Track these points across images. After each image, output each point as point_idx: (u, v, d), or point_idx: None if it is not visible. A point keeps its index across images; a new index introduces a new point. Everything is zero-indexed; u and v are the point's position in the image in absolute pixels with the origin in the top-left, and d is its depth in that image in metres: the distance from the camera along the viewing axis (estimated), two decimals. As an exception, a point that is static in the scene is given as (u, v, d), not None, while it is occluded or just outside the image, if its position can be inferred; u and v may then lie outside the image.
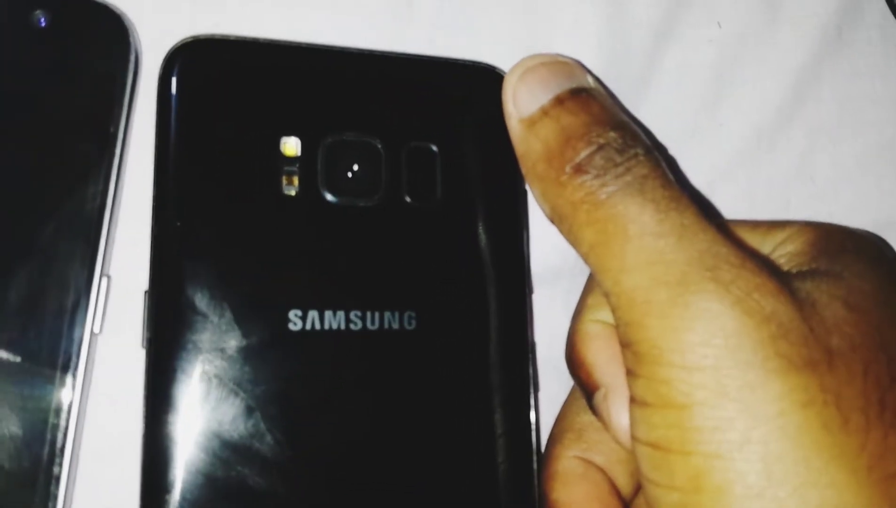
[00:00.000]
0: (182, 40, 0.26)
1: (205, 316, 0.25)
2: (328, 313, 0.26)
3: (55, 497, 0.23)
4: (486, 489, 0.26)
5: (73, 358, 0.24)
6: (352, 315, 0.26)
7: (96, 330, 0.24)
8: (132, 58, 0.26)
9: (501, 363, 0.27)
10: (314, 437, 0.25)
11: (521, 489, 0.27)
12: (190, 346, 0.25)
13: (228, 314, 0.25)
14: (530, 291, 0.28)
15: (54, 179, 0.25)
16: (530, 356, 0.27)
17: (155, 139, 0.26)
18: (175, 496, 0.24)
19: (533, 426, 0.27)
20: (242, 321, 0.25)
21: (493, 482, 0.26)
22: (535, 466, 0.27)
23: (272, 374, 0.25)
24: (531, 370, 0.27)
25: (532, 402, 0.27)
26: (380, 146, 0.27)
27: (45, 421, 0.23)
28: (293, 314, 0.25)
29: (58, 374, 0.24)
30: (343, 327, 0.26)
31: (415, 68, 0.28)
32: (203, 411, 0.24)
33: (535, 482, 0.27)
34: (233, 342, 0.25)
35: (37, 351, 0.24)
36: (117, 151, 0.25)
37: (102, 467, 0.24)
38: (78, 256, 0.25)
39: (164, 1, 0.27)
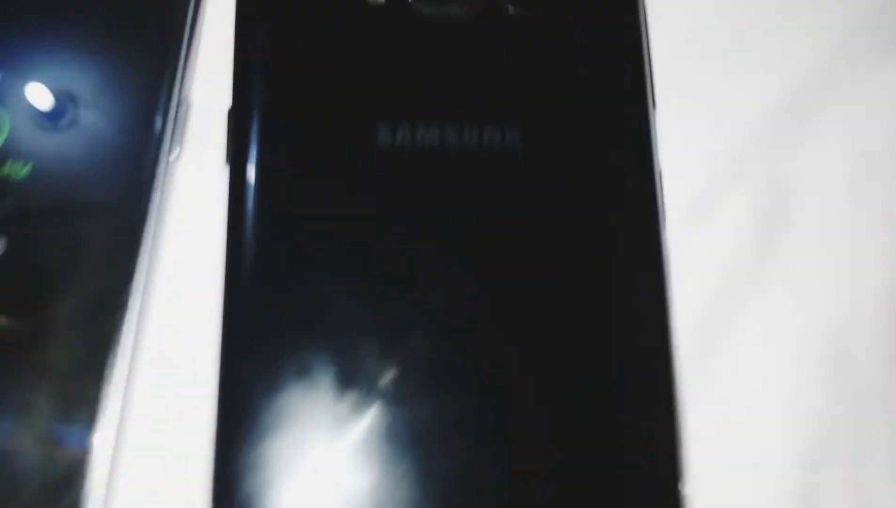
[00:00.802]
0: None
1: (288, 132, 0.23)
2: (421, 127, 0.23)
3: (124, 320, 0.21)
4: (609, 349, 0.22)
5: (150, 182, 0.22)
6: (447, 129, 0.23)
7: (175, 153, 0.23)
8: None
9: (624, 192, 0.23)
10: (405, 262, 0.22)
11: (653, 345, 0.23)
12: (274, 162, 0.23)
13: (313, 130, 0.23)
14: (655, 107, 0.24)
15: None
16: (658, 183, 0.23)
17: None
18: (259, 322, 0.22)
19: (665, 273, 0.23)
20: (329, 137, 0.23)
21: (618, 339, 0.22)
22: (668, 314, 0.23)
23: (358, 192, 0.22)
24: (659, 201, 0.23)
25: (663, 242, 0.23)
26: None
27: (122, 240, 0.22)
28: (382, 128, 0.23)
29: (135, 197, 0.22)
30: (437, 142, 0.23)
31: None
32: (287, 232, 0.22)
33: (670, 333, 0.23)
34: (317, 157, 0.23)
35: (116, 177, 0.22)
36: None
37: (177, 293, 0.23)
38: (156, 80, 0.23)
39: None
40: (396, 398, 0.21)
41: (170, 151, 0.23)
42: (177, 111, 0.23)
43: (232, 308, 0.22)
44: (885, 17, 0.27)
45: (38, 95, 0.23)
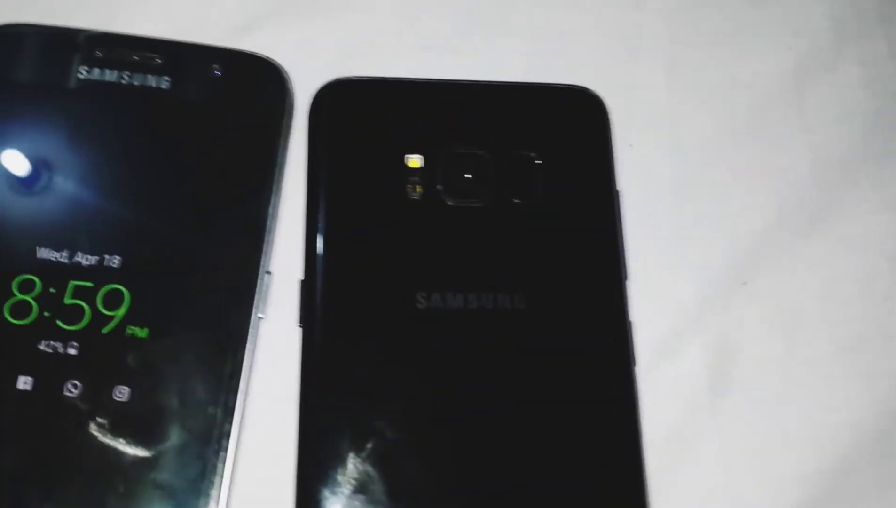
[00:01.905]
0: (324, 82, 0.32)
1: (347, 299, 0.30)
2: (449, 295, 0.30)
3: (225, 449, 0.28)
4: (591, 455, 0.29)
5: (244, 337, 0.29)
6: (469, 296, 0.30)
7: (261, 315, 0.29)
8: (287, 99, 0.32)
9: (603, 338, 0.30)
10: (436, 398, 0.29)
11: (626, 454, 0.29)
12: (336, 322, 0.29)
13: (367, 297, 0.30)
14: (626, 276, 0.31)
15: (229, 196, 0.31)
16: (629, 332, 0.31)
17: (307, 162, 0.32)
18: (327, 453, 0.28)
19: (635, 394, 0.30)
20: (379, 302, 0.30)
21: (598, 448, 0.29)
22: (639, 434, 0.30)
23: (403, 345, 0.29)
24: (630, 346, 0.30)
25: (633, 374, 0.30)
26: (488, 157, 0.32)
27: (220, 388, 0.28)
28: (420, 296, 0.30)
29: (232, 350, 0.29)
30: (462, 305, 0.30)
31: (515, 92, 0.33)
32: (347, 375, 0.29)
33: (641, 449, 0.29)
34: (371, 319, 0.29)
35: (216, 333, 0.29)
36: (277, 173, 0.31)
37: (264, 425, 0.29)
38: (247, 256, 0.30)
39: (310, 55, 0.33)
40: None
41: (259, 313, 0.29)
42: (264, 281, 0.30)
43: (306, 441, 0.28)
44: (814, 191, 0.35)
45: (156, 275, 0.29)
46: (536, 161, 0.32)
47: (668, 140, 0.35)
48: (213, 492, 0.27)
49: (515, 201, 0.32)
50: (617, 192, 0.32)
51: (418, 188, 0.31)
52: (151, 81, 0.32)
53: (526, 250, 0.31)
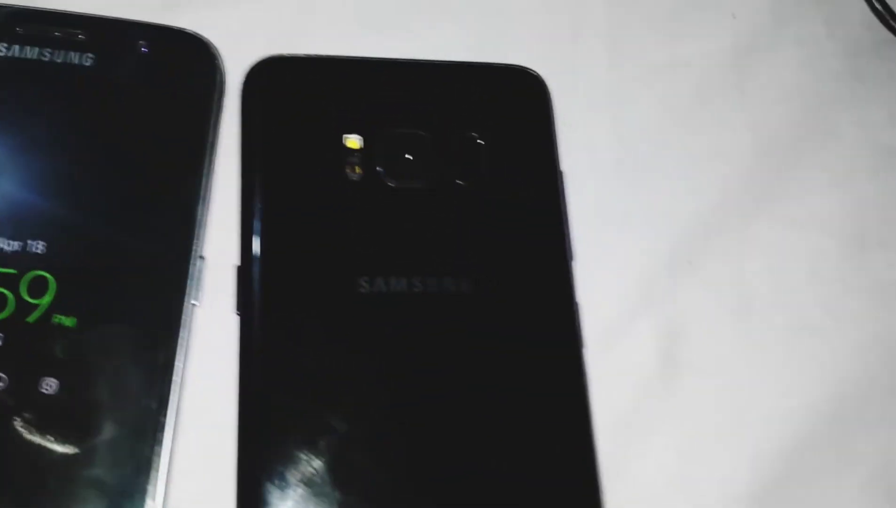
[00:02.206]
0: (257, 60, 0.31)
1: (286, 285, 0.29)
2: (392, 279, 0.29)
3: (161, 443, 0.26)
4: (542, 441, 0.29)
5: (177, 326, 0.28)
6: (414, 280, 0.29)
7: (195, 302, 0.28)
8: (218, 76, 0.31)
9: (550, 321, 0.30)
10: (382, 386, 0.28)
11: (577, 439, 0.29)
12: (275, 309, 0.28)
13: (307, 282, 0.29)
14: (572, 257, 0.31)
15: (158, 179, 0.29)
16: (576, 315, 0.30)
17: (240, 143, 0.30)
18: (268, 445, 0.27)
19: (585, 377, 0.30)
20: (320, 287, 0.29)
21: (548, 433, 0.29)
22: (589, 418, 0.29)
23: (346, 332, 0.28)
24: (577, 328, 0.30)
25: (582, 357, 0.30)
26: (429, 137, 0.31)
27: (153, 379, 0.27)
28: (362, 280, 0.29)
29: (164, 339, 0.28)
30: (406, 289, 0.29)
31: (456, 71, 0.32)
32: (288, 363, 0.28)
33: (592, 434, 0.29)
34: (312, 305, 0.29)
35: (147, 322, 0.28)
36: (208, 155, 0.30)
37: (201, 417, 0.28)
38: (178, 241, 0.29)
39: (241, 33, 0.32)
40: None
41: (192, 299, 0.28)
42: (197, 267, 0.28)
43: (246, 432, 0.27)
44: (757, 171, 0.35)
45: (84, 260, 0.28)
46: (479, 141, 0.31)
47: (611, 120, 0.34)
48: (150, 487, 0.26)
49: (458, 182, 0.31)
50: (561, 172, 0.32)
51: (358, 169, 0.31)
52: (74, 57, 0.30)
53: (470, 232, 0.31)
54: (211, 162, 0.30)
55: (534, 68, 0.33)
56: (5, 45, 0.30)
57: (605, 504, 0.28)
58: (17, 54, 0.30)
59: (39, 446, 0.26)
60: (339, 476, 0.27)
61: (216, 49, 0.31)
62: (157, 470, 0.26)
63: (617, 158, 0.34)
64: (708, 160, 0.35)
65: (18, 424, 0.26)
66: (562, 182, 0.32)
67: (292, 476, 0.26)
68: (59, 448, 0.26)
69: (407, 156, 0.31)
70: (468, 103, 0.32)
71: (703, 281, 0.33)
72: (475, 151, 0.31)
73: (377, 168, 0.31)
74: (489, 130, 0.32)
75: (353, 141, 0.31)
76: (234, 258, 0.29)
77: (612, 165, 0.34)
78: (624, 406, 0.31)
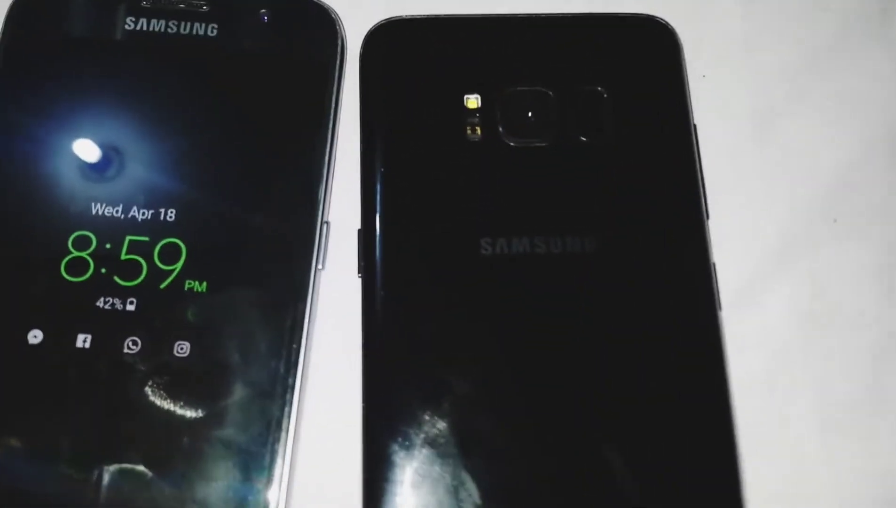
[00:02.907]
0: (376, 24, 0.31)
1: (407, 247, 0.28)
2: (515, 240, 0.28)
3: (289, 404, 0.27)
4: (676, 408, 0.27)
5: (304, 289, 0.28)
6: (536, 240, 0.28)
7: (321, 266, 0.28)
8: (339, 42, 0.31)
9: (684, 283, 0.28)
10: (504, 348, 0.27)
11: (714, 407, 0.27)
12: (397, 272, 0.28)
13: (428, 244, 0.28)
14: (708, 215, 0.29)
15: (284, 146, 0.29)
16: (713, 274, 0.29)
17: (360, 107, 0.30)
18: (393, 404, 0.27)
19: (722, 341, 0.28)
20: (440, 250, 0.28)
21: (684, 400, 0.27)
22: (727, 383, 0.28)
23: (468, 294, 0.28)
24: (714, 289, 0.28)
25: (718, 319, 0.28)
26: (551, 94, 0.30)
27: (282, 341, 0.27)
28: (484, 242, 0.28)
29: (292, 303, 0.28)
30: (528, 250, 0.28)
31: (579, 23, 0.31)
32: (410, 324, 0.27)
33: (729, 398, 0.27)
34: (433, 267, 0.28)
35: (275, 286, 0.28)
36: (331, 120, 0.30)
37: (328, 378, 0.28)
38: (304, 207, 0.29)
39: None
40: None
41: (318, 264, 0.28)
42: (322, 232, 0.28)
43: (370, 388, 0.27)
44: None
45: (213, 227, 0.28)
46: (604, 96, 0.30)
47: (746, 70, 0.32)
48: (279, 447, 0.26)
49: (582, 139, 0.30)
50: (694, 126, 0.30)
51: (478, 130, 0.30)
52: (199, 29, 0.30)
53: (596, 190, 0.29)
54: (334, 128, 0.30)
55: (661, 17, 0.31)
56: (132, 19, 0.31)
57: (742, 470, 0.26)
58: (144, 28, 0.30)
59: (173, 407, 0.26)
60: (463, 437, 0.26)
61: (336, 14, 0.31)
62: (286, 430, 0.26)
63: (753, 110, 0.32)
64: (850, 109, 0.32)
65: (153, 386, 0.26)
66: (695, 136, 0.30)
67: (416, 436, 0.26)
68: (192, 409, 0.26)
69: (528, 114, 0.30)
70: (592, 56, 0.31)
71: (847, 239, 0.30)
72: (600, 105, 0.30)
73: (498, 128, 0.30)
74: (615, 84, 0.30)
75: (473, 101, 0.30)
76: (356, 222, 0.29)
77: (748, 118, 0.32)
78: (762, 370, 0.29)
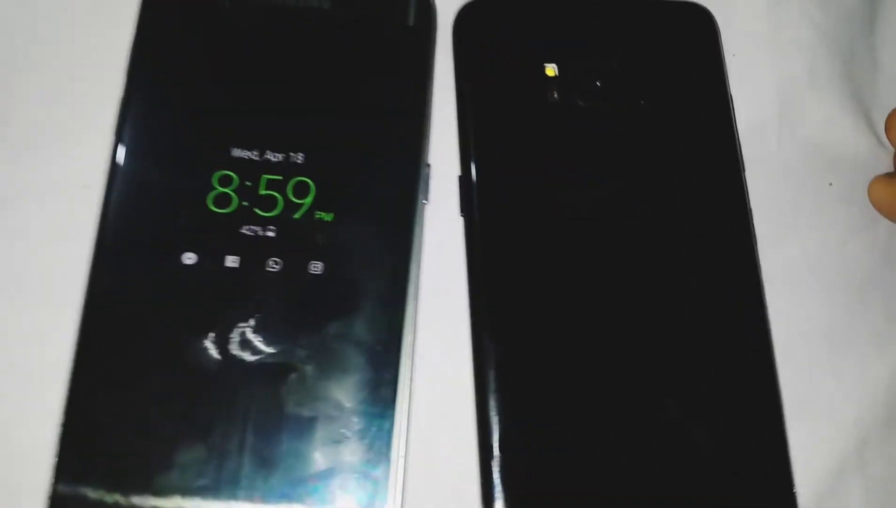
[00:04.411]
0: (466, 2, 0.36)
1: (500, 192, 0.34)
2: (588, 191, 0.34)
3: (405, 311, 0.32)
4: (727, 371, 0.32)
5: (412, 219, 0.33)
6: (609, 203, 0.34)
7: (425, 201, 0.34)
8: (433, 14, 0.36)
9: (729, 251, 0.34)
10: (598, 295, 0.33)
11: (762, 374, 0.33)
12: (493, 212, 0.34)
13: (518, 193, 0.34)
14: (743, 168, 0.35)
15: (392, 100, 0.35)
16: (754, 243, 0.34)
17: (455, 71, 0.36)
18: (496, 320, 0.32)
19: (766, 310, 0.33)
20: (528, 199, 0.34)
21: (733, 365, 0.32)
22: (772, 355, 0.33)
23: (551, 235, 0.33)
24: (756, 258, 0.34)
25: (762, 289, 0.33)
26: (617, 64, 0.36)
27: (396, 260, 0.33)
28: (570, 189, 0.34)
29: (402, 230, 0.33)
30: (601, 212, 0.34)
31: (636, 7, 0.37)
32: (508, 260, 0.33)
33: (775, 368, 0.32)
34: (524, 214, 0.34)
35: (388, 216, 0.33)
36: (429, 79, 0.35)
37: (436, 294, 0.33)
38: (409, 150, 0.34)
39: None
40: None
41: (423, 198, 0.34)
42: (425, 172, 0.34)
43: (477, 319, 0.32)
44: None
45: (336, 167, 0.34)
46: (657, 69, 0.36)
47: (770, 49, 0.38)
48: (405, 348, 0.31)
49: (641, 103, 0.36)
50: (730, 96, 0.36)
51: (555, 94, 0.35)
52: (314, 1, 0.36)
53: (653, 151, 0.35)
54: (431, 87, 0.35)
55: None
56: (260, -8, 0.36)
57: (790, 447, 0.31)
58: None
59: (313, 315, 0.31)
60: (560, 384, 0.31)
61: (429, -10, 0.36)
62: (407, 335, 0.31)
63: (779, 87, 0.38)
64: (870, 90, 0.38)
65: (295, 297, 0.32)
66: (731, 105, 0.36)
67: (518, 361, 0.32)
68: (327, 318, 0.32)
69: (597, 82, 0.36)
70: (648, 34, 0.37)
71: (879, 219, 0.36)
72: (655, 76, 0.36)
73: (571, 92, 0.35)
74: (666, 59, 0.36)
75: (551, 69, 0.36)
76: (455, 169, 0.34)
77: (775, 93, 0.38)
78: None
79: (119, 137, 0.34)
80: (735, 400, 0.32)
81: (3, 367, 0.31)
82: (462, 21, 0.36)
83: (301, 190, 0.33)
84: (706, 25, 0.37)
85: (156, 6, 0.35)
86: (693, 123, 0.36)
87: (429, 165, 0.34)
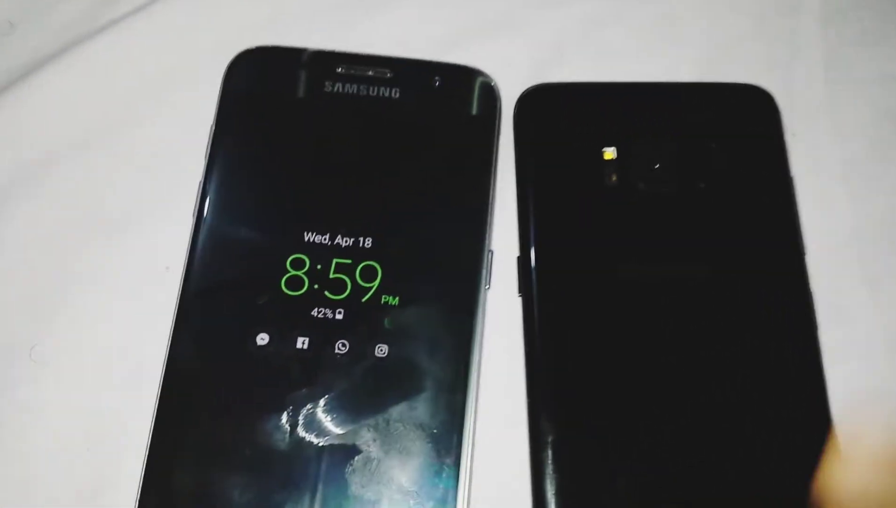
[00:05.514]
0: (527, 88, 0.38)
1: (558, 272, 0.35)
2: (648, 267, 0.35)
3: (467, 396, 0.33)
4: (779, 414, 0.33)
5: (475, 304, 0.34)
6: (667, 271, 0.35)
7: (487, 286, 0.35)
8: (497, 103, 0.37)
9: (787, 310, 0.35)
10: (653, 360, 0.34)
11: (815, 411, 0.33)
12: (550, 292, 0.35)
13: (574, 270, 0.35)
14: (804, 252, 0.36)
15: (456, 188, 0.36)
16: (812, 304, 0.35)
17: (515, 156, 0.37)
18: (552, 398, 0.33)
19: (821, 363, 0.34)
20: (586, 275, 0.35)
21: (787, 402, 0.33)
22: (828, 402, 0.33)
23: (608, 313, 0.34)
24: (813, 316, 0.34)
25: (818, 344, 0.34)
26: (675, 147, 0.37)
27: (459, 346, 0.34)
28: (623, 269, 0.35)
29: (466, 316, 0.34)
30: (661, 280, 0.35)
31: (696, 90, 0.38)
32: (564, 338, 0.34)
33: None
34: (581, 289, 0.35)
35: (453, 301, 0.35)
36: (493, 167, 0.36)
37: (496, 378, 0.34)
38: (473, 237, 0.35)
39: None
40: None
41: (485, 285, 0.35)
42: (488, 258, 0.35)
43: (534, 384, 0.33)
44: None
45: (402, 252, 0.35)
46: (717, 151, 0.37)
47: (831, 129, 0.39)
48: (466, 431, 0.32)
49: (701, 186, 0.36)
50: (791, 177, 0.37)
51: (614, 177, 0.36)
52: (384, 92, 0.37)
53: (712, 229, 0.35)
54: (495, 173, 0.36)
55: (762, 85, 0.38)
56: (330, 82, 0.38)
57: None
58: (339, 91, 0.37)
59: (377, 399, 0.33)
60: (622, 440, 0.32)
61: (495, 81, 0.38)
62: (468, 418, 0.32)
63: (843, 160, 0.38)
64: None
65: (361, 379, 0.33)
66: (792, 185, 0.37)
67: (574, 432, 0.32)
68: (391, 401, 0.33)
69: (656, 164, 0.36)
70: (708, 117, 0.37)
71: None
72: (715, 158, 0.37)
73: (631, 175, 0.36)
74: (726, 141, 0.37)
75: (610, 152, 0.37)
76: (514, 251, 0.35)
77: (838, 169, 0.38)
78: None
79: (198, 222, 0.35)
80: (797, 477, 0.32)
81: (83, 441, 0.33)
82: (522, 106, 0.38)
83: (369, 274, 0.35)
84: (766, 106, 0.38)
85: (235, 98, 0.37)
86: (753, 204, 0.36)
87: (491, 252, 0.35)
